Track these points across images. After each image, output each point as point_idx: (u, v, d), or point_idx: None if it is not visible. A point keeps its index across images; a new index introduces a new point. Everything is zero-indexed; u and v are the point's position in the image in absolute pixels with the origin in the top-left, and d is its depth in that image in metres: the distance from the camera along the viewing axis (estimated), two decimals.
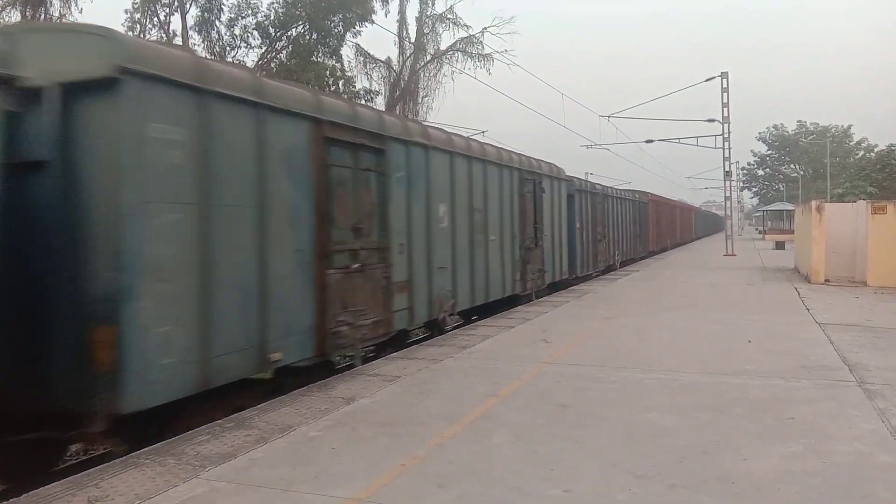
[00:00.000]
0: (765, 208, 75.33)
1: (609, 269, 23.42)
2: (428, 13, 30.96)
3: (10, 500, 4.40)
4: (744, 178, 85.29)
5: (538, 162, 16.25)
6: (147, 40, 19.68)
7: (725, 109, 31.72)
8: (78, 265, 5.36)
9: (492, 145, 14.10)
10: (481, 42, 30.82)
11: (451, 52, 31.17)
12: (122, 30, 23.07)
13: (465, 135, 14.11)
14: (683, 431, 5.58)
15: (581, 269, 19.85)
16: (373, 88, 28.59)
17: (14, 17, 21.10)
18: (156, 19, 24.12)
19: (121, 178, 5.35)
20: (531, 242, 15.01)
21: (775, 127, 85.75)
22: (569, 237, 18.35)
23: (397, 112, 30.28)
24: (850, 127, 79.87)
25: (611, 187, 25.72)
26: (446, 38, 31.72)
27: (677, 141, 35.62)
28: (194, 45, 23.89)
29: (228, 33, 24.33)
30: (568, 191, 18.43)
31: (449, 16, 30.68)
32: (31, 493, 4.53)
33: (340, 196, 8.04)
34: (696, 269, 24.79)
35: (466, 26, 30.68)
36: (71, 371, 5.31)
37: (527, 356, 8.77)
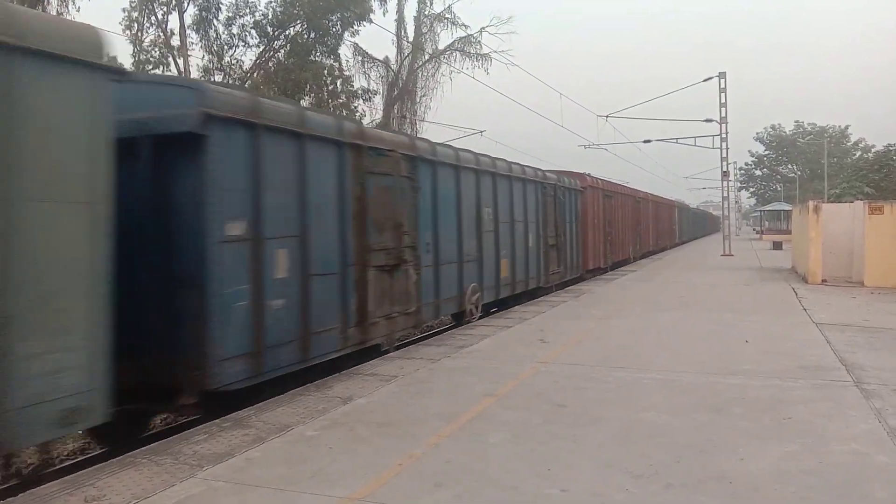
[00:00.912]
0: (762, 208, 75.47)
1: (456, 323, 12.30)
2: (426, 13, 30.89)
3: (7, 500, 4.39)
4: (741, 179, 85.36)
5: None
6: None
7: (723, 109, 31.75)
8: None
9: None
10: (479, 42, 30.80)
11: (449, 52, 31.11)
12: (119, 29, 23.06)
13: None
14: (681, 431, 5.59)
15: (239, 371, 6.60)
16: (371, 88, 28.55)
17: None
18: (153, 18, 24.04)
19: None
20: None
21: (773, 127, 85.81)
22: (182, 269, 6.37)
23: (395, 112, 30.30)
24: (847, 127, 79.99)
25: (464, 149, 12.70)
26: (444, 38, 31.65)
27: (675, 141, 35.65)
28: (192, 43, 23.88)
29: (226, 32, 24.27)
30: (177, 121, 6.34)
31: (447, 15, 30.62)
32: (28, 492, 4.53)
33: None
34: (693, 269, 24.82)
35: (464, 26, 30.63)
36: None
37: (524, 356, 8.77)
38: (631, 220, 28.32)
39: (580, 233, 19.80)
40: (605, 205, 23.16)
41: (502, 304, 14.21)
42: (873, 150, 62.06)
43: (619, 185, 27.47)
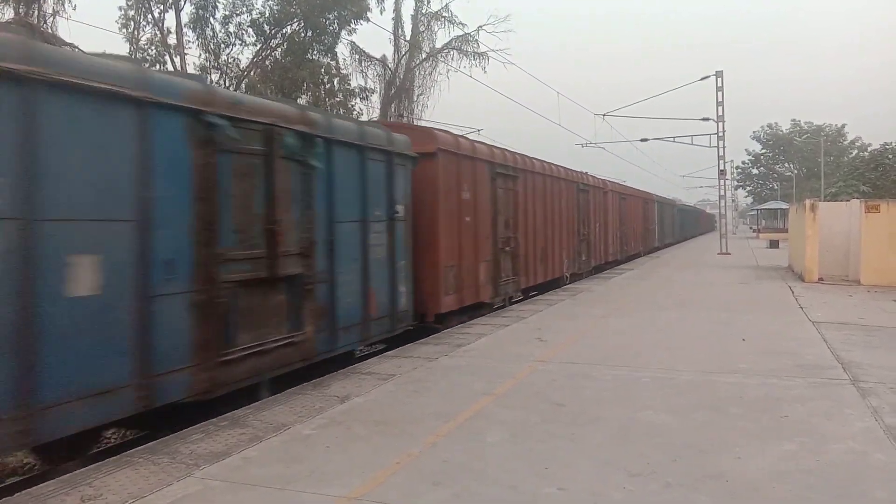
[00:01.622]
0: (759, 207, 75.57)
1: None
2: (423, 11, 30.81)
3: (4, 500, 4.37)
4: (738, 177, 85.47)
5: None
6: None
7: (720, 108, 31.83)
8: None
9: None
10: (477, 40, 30.73)
11: (446, 51, 31.05)
12: (115, 27, 22.98)
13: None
14: (678, 430, 5.59)
15: None
16: (368, 86, 28.50)
17: (7, 13, 20.94)
18: (150, 16, 23.97)
19: None
20: None
21: (769, 126, 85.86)
22: None
23: (392, 110, 30.24)
24: (843, 126, 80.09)
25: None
26: (442, 37, 31.58)
27: (672, 140, 35.67)
28: (189, 42, 23.81)
29: (223, 31, 24.21)
30: None
31: (444, 14, 30.53)
32: (24, 491, 4.51)
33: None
34: (690, 268, 24.85)
35: (462, 24, 30.54)
36: None
37: (522, 354, 8.77)
38: (567, 219, 18.90)
39: (416, 241, 10.40)
40: (499, 190, 13.61)
41: None
42: (870, 148, 62.18)
43: (540, 161, 16.89)
